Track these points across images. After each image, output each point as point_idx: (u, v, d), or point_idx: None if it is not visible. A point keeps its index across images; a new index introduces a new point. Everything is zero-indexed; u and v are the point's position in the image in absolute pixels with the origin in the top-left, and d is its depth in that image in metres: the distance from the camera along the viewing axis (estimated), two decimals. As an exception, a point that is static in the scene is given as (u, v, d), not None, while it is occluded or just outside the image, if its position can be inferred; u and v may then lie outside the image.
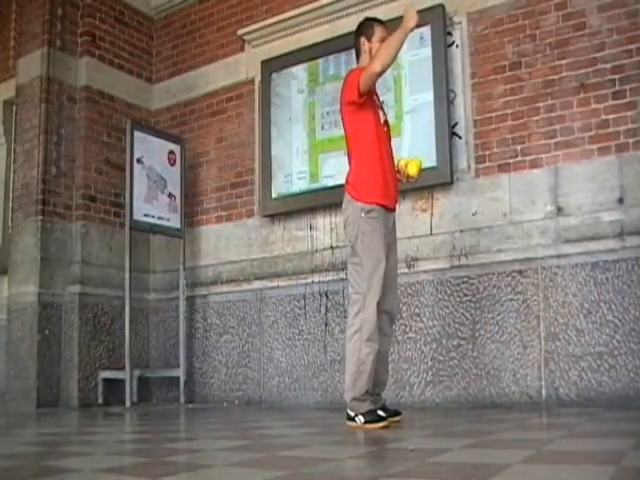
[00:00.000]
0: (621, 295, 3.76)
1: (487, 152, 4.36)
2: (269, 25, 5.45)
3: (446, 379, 4.25)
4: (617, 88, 3.94)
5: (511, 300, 4.09)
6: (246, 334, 5.24)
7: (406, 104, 4.64)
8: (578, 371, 3.82)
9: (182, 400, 5.29)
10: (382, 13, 4.38)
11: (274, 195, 5.20)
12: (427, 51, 4.54)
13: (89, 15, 5.73)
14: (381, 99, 3.46)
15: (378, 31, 3.31)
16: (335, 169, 4.75)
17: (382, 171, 3.18)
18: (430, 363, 4.33)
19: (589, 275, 3.87)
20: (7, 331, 5.38)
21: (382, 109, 3.37)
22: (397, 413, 3.23)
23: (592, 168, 3.97)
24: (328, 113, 4.99)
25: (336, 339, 4.74)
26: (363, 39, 3.34)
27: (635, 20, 3.94)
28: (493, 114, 4.37)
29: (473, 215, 4.34)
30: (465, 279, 4.27)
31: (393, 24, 3.36)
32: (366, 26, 3.37)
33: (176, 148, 5.60)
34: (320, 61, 5.10)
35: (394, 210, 3.30)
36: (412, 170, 3.33)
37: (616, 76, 3.95)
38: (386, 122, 3.34)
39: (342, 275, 4.68)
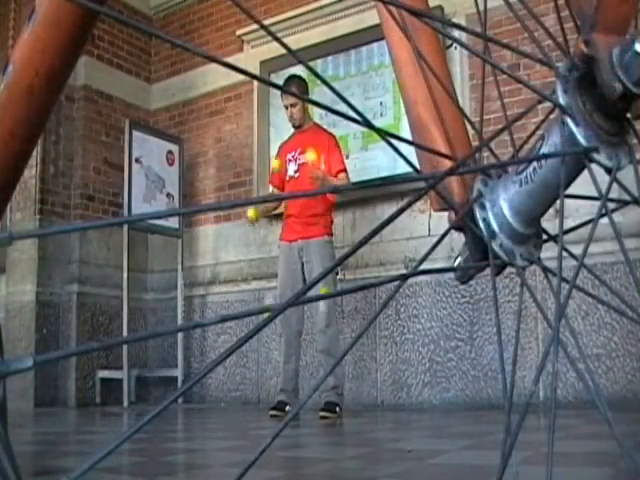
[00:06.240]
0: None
1: (485, 153, 4.35)
2: (268, 25, 5.44)
3: (444, 380, 4.25)
4: (616, 90, 3.95)
5: (509, 302, 4.10)
6: (244, 334, 5.22)
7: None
8: (576, 373, 3.82)
9: (180, 400, 5.28)
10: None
11: (272, 195, 5.19)
12: (426, 52, 4.55)
13: (88, 14, 5.72)
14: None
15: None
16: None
17: (285, 214, 4.07)
18: (428, 364, 4.33)
19: (587, 277, 3.86)
20: (5, 330, 5.36)
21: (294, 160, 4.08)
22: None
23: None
24: (326, 114, 4.99)
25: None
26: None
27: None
28: (492, 116, 4.36)
29: (471, 216, 4.34)
30: (463, 280, 4.27)
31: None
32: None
33: (174, 148, 5.60)
34: (319, 62, 5.10)
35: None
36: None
37: (615, 78, 3.95)
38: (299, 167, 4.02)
39: (340, 276, 4.68)
